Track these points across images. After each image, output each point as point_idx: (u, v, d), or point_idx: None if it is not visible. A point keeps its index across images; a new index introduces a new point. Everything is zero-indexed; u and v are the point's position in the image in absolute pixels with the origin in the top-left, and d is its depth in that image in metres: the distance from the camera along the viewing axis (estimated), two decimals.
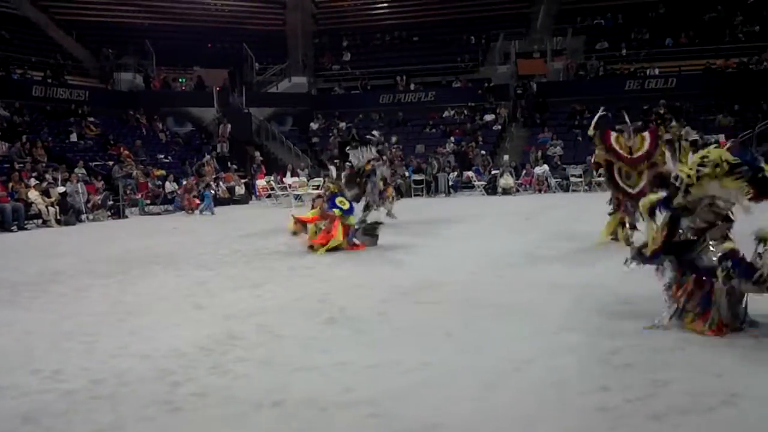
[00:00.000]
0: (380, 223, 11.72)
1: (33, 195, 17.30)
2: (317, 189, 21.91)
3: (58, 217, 17.36)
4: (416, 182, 24.99)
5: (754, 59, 28.44)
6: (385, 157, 15.04)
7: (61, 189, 18.13)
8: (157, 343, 5.67)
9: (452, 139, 28.76)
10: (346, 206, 10.88)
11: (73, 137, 24.63)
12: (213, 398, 4.43)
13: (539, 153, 25.94)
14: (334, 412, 4.18)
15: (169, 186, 21.86)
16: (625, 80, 29.48)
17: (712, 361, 4.82)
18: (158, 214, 20.21)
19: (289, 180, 23.83)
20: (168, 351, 5.44)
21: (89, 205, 18.76)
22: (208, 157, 25.82)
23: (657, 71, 29.40)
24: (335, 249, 10.56)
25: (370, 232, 11.38)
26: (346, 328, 6.10)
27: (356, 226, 11.22)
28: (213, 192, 21.65)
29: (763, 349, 5.08)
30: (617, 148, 10.07)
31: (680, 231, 5.63)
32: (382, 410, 4.17)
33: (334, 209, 10.74)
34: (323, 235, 10.76)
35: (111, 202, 19.36)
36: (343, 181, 11.66)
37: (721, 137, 24.51)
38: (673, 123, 9.89)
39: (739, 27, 30.03)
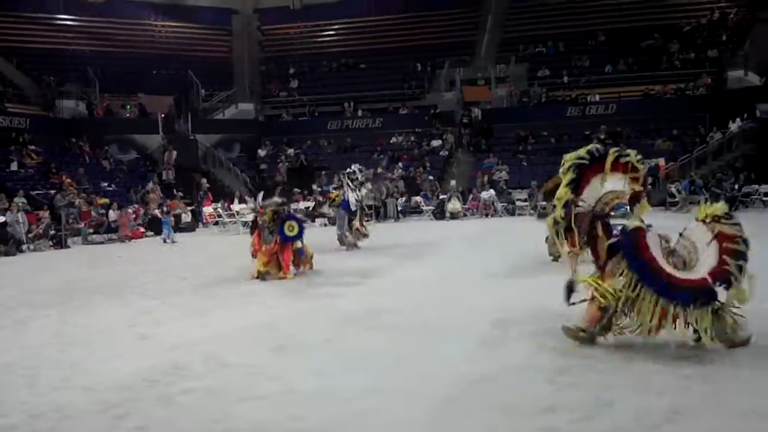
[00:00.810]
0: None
1: None
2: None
3: None
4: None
5: (690, 85, 29.39)
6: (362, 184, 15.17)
7: (0, 219, 17.67)
8: (99, 376, 5.55)
9: (400, 164, 28.94)
10: (295, 231, 10.76)
11: (14, 166, 24.05)
12: (157, 431, 4.35)
13: (485, 178, 26.26)
14: None
15: (113, 214, 21.47)
16: (567, 106, 30.15)
17: (654, 379, 4.92)
18: (102, 243, 19.80)
19: (236, 207, 23.63)
20: (111, 383, 5.32)
21: (30, 235, 18.31)
22: (150, 184, 25.46)
23: (598, 97, 30.16)
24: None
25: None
26: (295, 356, 6.05)
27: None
28: (172, 219, 21.16)
29: (704, 366, 5.19)
30: None
31: None
32: None
33: (285, 238, 10.65)
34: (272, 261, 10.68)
35: (53, 232, 18.92)
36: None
37: (661, 160, 25.24)
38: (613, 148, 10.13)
39: (676, 54, 31.05)
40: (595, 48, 33.14)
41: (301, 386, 5.09)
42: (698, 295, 5.39)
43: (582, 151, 6.03)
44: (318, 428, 4.29)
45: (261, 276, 10.55)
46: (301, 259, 10.98)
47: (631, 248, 5.57)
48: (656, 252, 5.59)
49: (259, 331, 7.02)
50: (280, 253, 10.66)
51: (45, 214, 19.15)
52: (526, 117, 30.64)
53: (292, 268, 10.75)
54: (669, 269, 5.52)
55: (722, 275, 5.48)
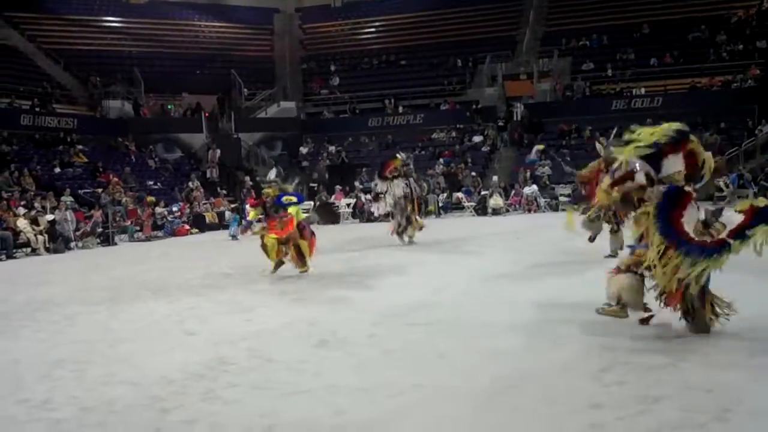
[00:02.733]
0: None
1: (21, 223, 17.22)
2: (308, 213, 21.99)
3: (47, 245, 17.28)
4: None
5: (738, 77, 28.70)
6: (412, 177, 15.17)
7: (50, 217, 18.06)
8: (146, 370, 5.63)
9: (441, 160, 28.83)
10: (294, 199, 10.81)
11: (57, 168, 24.49)
12: (203, 425, 4.40)
13: (528, 173, 26.03)
14: None
15: (159, 212, 21.79)
16: (612, 100, 29.67)
17: (703, 377, 4.83)
18: (148, 240, 20.12)
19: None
20: (157, 378, 5.40)
21: (78, 232, 18.68)
22: (191, 183, 25.63)
23: (643, 91, 29.61)
24: (323, 274, 10.55)
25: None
26: (337, 351, 6.07)
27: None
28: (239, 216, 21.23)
29: (754, 364, 5.09)
30: None
31: None
32: None
33: (286, 209, 10.67)
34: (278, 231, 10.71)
35: (101, 230, 19.27)
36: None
37: (708, 155, 24.67)
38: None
39: (723, 46, 30.35)
40: (639, 40, 32.52)
41: (344, 381, 5.10)
42: (716, 251, 5.47)
43: (672, 127, 6.27)
44: (361, 423, 4.29)
45: (277, 265, 10.73)
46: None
47: (668, 202, 5.81)
48: (688, 217, 5.79)
49: (301, 327, 7.05)
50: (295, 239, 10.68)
51: (97, 214, 19.46)
52: (570, 111, 30.25)
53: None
54: (691, 233, 5.70)
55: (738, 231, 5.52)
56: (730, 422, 4.03)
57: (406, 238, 14.69)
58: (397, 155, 15.76)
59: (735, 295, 5.98)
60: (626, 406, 4.31)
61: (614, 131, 10.60)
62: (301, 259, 10.76)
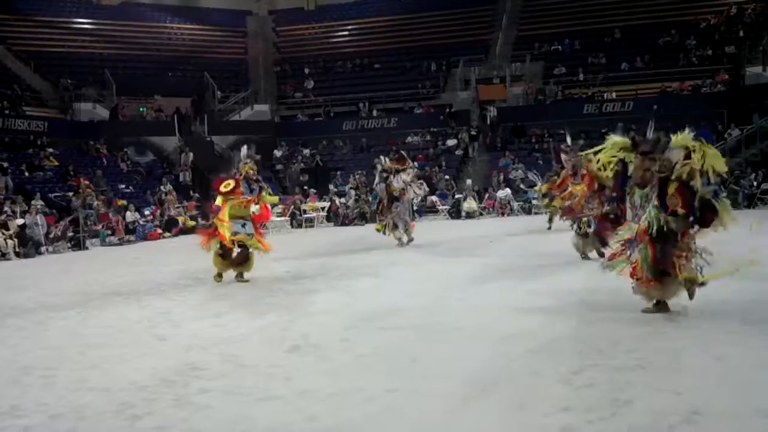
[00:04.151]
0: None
1: None
2: (280, 216, 21.95)
3: (17, 250, 17.05)
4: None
5: (707, 82, 29.14)
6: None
7: (20, 221, 17.83)
8: (117, 377, 5.58)
9: (416, 164, 28.84)
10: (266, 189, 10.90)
11: (27, 171, 24.20)
12: (174, 431, 4.37)
13: (501, 177, 26.18)
14: None
15: (130, 216, 21.59)
16: (583, 104, 30.00)
17: (672, 379, 4.89)
18: (119, 244, 19.92)
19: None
20: (128, 384, 5.35)
21: (49, 236, 18.46)
22: (164, 187, 25.40)
23: (614, 95, 29.96)
24: (299, 277, 10.52)
25: None
26: (310, 356, 6.06)
27: None
28: None
29: (723, 367, 5.16)
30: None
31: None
32: None
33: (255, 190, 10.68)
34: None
35: (71, 234, 19.04)
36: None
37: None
38: None
39: (693, 51, 30.81)
40: (611, 45, 32.94)
41: (316, 386, 5.09)
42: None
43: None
44: (334, 429, 4.30)
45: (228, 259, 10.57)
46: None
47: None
48: None
49: (274, 332, 7.03)
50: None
51: (67, 220, 19.25)
52: (542, 115, 30.53)
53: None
54: None
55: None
56: (699, 424, 4.08)
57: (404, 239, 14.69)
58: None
59: (706, 294, 6.08)
60: (596, 409, 4.35)
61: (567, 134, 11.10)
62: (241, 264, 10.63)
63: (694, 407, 4.30)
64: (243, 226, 10.56)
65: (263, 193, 10.83)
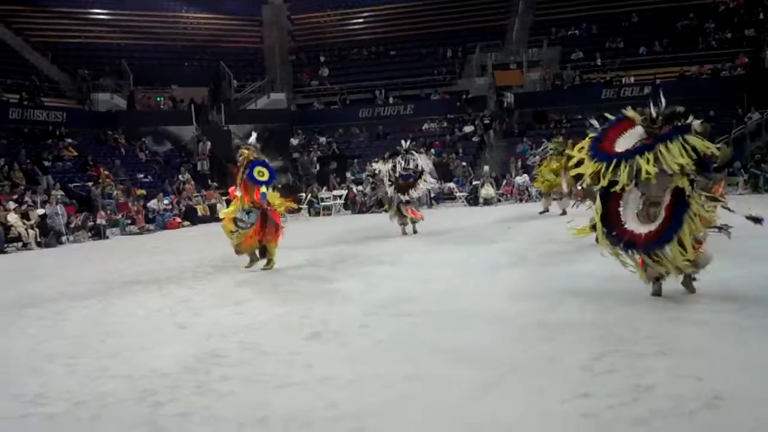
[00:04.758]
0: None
1: (12, 218, 17.14)
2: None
3: (39, 240, 17.22)
4: None
5: (726, 65, 28.80)
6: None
7: (40, 211, 17.99)
8: (138, 364, 5.63)
9: (432, 151, 28.80)
10: (266, 177, 10.38)
11: (47, 162, 24.34)
12: (196, 418, 4.41)
13: (519, 163, 26.06)
14: (318, 427, 4.17)
15: (156, 204, 21.73)
16: (601, 89, 29.69)
17: (694, 365, 4.86)
18: (139, 233, 20.06)
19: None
20: (150, 371, 5.40)
21: (70, 226, 18.62)
22: (182, 176, 25.51)
23: (632, 79, 29.65)
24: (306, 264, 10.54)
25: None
26: (330, 343, 6.08)
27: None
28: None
29: (744, 353, 5.13)
30: None
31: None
32: (367, 424, 4.17)
33: (255, 184, 10.32)
34: (251, 234, 10.47)
35: (92, 223, 19.19)
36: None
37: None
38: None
39: (712, 34, 30.43)
40: (629, 29, 32.58)
41: (336, 373, 5.11)
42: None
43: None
44: (355, 415, 4.31)
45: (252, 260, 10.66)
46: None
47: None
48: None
49: (293, 319, 7.06)
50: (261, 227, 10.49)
51: (80, 216, 19.43)
52: (560, 100, 30.31)
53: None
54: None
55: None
56: (720, 409, 4.06)
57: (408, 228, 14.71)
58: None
59: (727, 281, 6.04)
60: (617, 395, 4.33)
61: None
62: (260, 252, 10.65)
63: (716, 392, 4.28)
64: (248, 214, 10.50)
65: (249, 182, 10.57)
